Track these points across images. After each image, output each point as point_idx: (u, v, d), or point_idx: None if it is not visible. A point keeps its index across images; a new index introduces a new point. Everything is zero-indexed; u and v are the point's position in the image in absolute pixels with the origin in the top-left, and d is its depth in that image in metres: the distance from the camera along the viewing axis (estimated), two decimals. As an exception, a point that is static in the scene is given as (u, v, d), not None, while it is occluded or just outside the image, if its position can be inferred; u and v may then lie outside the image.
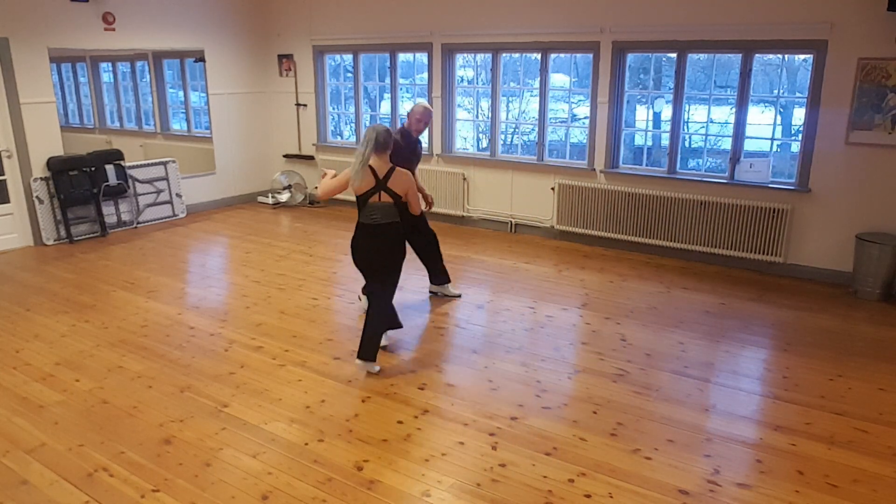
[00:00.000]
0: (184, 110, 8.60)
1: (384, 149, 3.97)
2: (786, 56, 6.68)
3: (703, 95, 7.88)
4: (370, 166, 3.96)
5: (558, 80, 8.35)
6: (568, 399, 3.80)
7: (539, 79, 7.05)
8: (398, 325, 4.46)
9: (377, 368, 4.11)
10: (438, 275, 5.39)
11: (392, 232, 4.05)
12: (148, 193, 7.84)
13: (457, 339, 4.63)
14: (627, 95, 6.72)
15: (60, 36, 6.88)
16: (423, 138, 5.29)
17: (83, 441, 3.38)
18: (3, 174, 6.73)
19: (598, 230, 6.82)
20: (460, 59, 7.92)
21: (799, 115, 8.38)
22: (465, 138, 8.65)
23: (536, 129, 7.25)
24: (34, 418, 3.60)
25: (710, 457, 3.24)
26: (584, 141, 6.95)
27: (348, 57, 8.48)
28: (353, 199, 4.13)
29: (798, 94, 8.12)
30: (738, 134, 6.08)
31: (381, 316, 4.14)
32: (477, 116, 8.10)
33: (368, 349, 4.05)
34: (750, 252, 6.06)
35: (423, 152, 5.23)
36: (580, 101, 8.07)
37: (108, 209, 7.45)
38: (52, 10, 6.77)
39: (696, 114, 8.00)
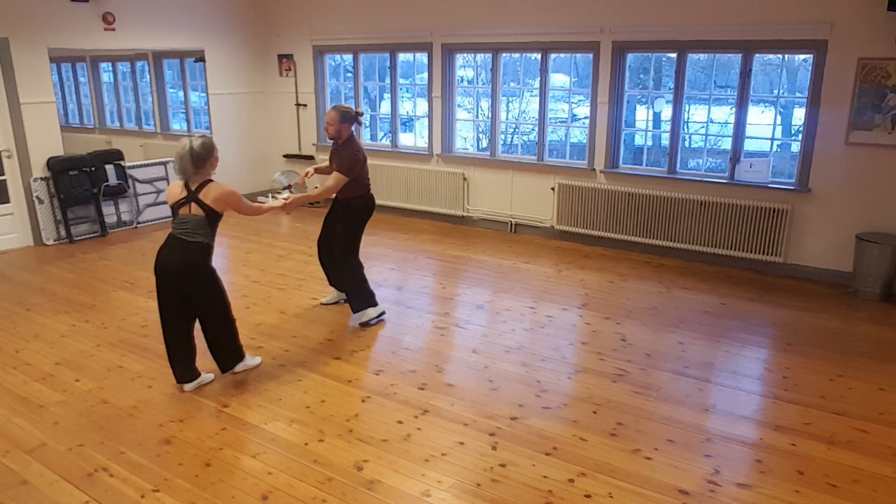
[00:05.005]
0: (184, 110, 8.60)
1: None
2: (786, 56, 6.68)
3: (703, 95, 7.88)
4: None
5: (558, 80, 8.35)
6: (568, 399, 3.80)
7: (539, 79, 7.05)
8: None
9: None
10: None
11: None
12: (148, 193, 7.84)
13: (457, 339, 4.62)
14: (627, 95, 6.72)
15: (60, 36, 6.87)
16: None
17: (83, 441, 3.38)
18: (3, 174, 6.73)
19: (598, 230, 6.82)
20: (460, 59, 7.91)
21: (799, 115, 8.39)
22: (465, 138, 8.66)
23: (536, 129, 7.25)
24: (34, 418, 3.59)
25: (710, 457, 3.24)
26: (584, 141, 6.95)
27: (348, 57, 8.48)
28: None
29: (798, 94, 8.13)
30: (738, 134, 6.07)
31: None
32: (477, 116, 8.09)
33: None
34: (750, 252, 6.06)
35: (356, 155, 4.61)
36: (580, 101, 8.08)
37: (108, 209, 7.45)
38: (52, 10, 6.76)
39: (696, 114, 8.00)
